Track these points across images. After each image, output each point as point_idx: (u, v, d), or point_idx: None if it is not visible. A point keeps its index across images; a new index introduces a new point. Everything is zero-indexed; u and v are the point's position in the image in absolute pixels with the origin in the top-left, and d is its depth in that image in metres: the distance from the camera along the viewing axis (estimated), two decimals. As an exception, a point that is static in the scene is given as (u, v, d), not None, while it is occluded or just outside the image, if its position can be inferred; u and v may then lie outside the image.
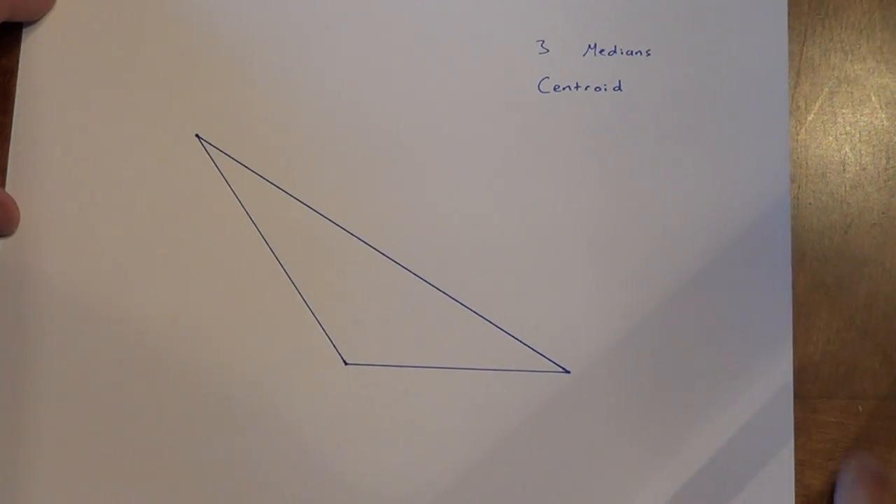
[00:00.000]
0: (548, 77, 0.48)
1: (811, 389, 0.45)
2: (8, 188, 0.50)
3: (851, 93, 0.47)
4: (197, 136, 0.49)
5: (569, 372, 0.46)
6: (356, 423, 0.47)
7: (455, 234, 0.48)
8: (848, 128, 0.47)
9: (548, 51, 0.48)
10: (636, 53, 0.48)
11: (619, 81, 0.48)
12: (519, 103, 0.48)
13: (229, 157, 0.49)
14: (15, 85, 0.51)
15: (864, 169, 0.47)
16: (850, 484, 0.43)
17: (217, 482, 0.47)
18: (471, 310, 0.47)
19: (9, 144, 0.50)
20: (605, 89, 0.48)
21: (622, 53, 0.48)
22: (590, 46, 0.48)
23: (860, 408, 0.45)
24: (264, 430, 0.47)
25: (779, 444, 0.45)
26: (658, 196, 0.47)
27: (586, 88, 0.48)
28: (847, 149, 0.47)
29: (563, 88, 0.48)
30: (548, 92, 0.48)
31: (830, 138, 0.47)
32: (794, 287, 0.46)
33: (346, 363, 0.47)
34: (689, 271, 0.46)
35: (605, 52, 0.48)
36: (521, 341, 0.46)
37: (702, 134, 0.47)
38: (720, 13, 0.48)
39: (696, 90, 0.47)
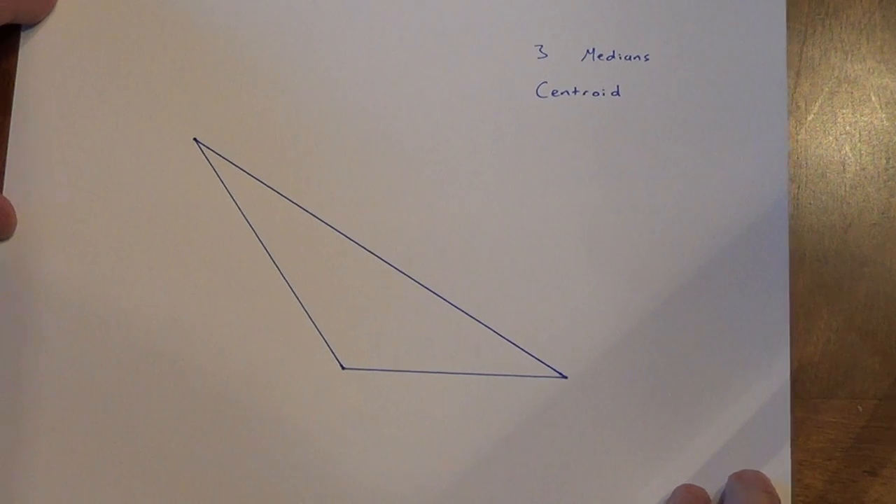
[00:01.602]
0: (546, 82, 0.48)
1: (811, 389, 0.45)
2: (6, 189, 0.50)
3: (851, 93, 0.47)
4: (195, 139, 0.49)
5: (566, 377, 0.46)
6: (354, 427, 0.47)
7: (453, 238, 0.48)
8: (848, 128, 0.47)
9: (546, 56, 0.48)
10: (634, 58, 0.48)
11: (618, 86, 0.48)
12: (517, 108, 0.48)
13: (227, 160, 0.49)
14: (14, 87, 0.51)
15: (864, 169, 0.47)
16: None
17: (215, 486, 0.47)
18: (468, 315, 0.47)
19: (7, 146, 0.50)
20: (604, 94, 0.48)
21: (620, 58, 0.48)
22: (588, 51, 0.48)
23: (860, 408, 0.45)
24: (262, 434, 0.47)
25: (777, 446, 0.45)
26: (657, 201, 0.47)
27: (584, 93, 0.48)
28: (847, 149, 0.47)
29: (562, 93, 0.48)
30: (546, 97, 0.48)
31: (830, 138, 0.47)
32: (793, 287, 0.46)
33: (343, 368, 0.47)
34: (687, 275, 0.46)
35: (604, 57, 0.48)
36: (518, 347, 0.46)
37: (701, 138, 0.47)
38: (719, 15, 0.48)
39: (695, 94, 0.47)
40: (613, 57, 0.48)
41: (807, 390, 0.45)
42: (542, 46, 0.48)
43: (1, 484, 0.47)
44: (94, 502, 0.47)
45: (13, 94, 0.51)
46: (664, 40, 0.48)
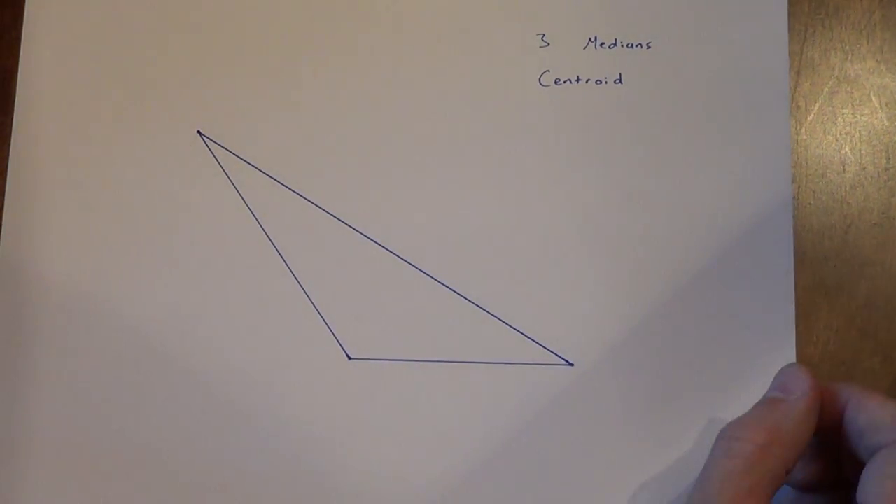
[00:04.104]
0: (548, 70, 0.48)
1: (811, 389, 0.45)
2: (8, 188, 0.50)
3: (851, 93, 0.48)
4: (199, 132, 0.49)
5: (572, 365, 0.46)
6: (360, 417, 0.47)
7: (457, 228, 0.48)
8: (848, 128, 0.47)
9: (548, 44, 0.49)
10: (637, 46, 0.48)
11: (620, 74, 0.48)
12: (520, 97, 0.48)
13: (231, 153, 0.49)
14: (15, 85, 0.51)
15: (864, 169, 0.47)
16: None
17: (219, 480, 0.46)
18: (474, 303, 0.47)
19: (9, 144, 0.50)
20: (606, 82, 0.48)
21: (623, 46, 0.48)
22: (590, 39, 0.48)
23: (860, 408, 0.45)
24: (267, 426, 0.47)
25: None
26: (659, 191, 0.47)
27: (587, 82, 0.48)
28: (847, 149, 0.47)
29: (564, 82, 0.48)
30: (548, 85, 0.48)
31: (830, 138, 0.47)
32: (794, 287, 0.46)
33: (349, 358, 0.47)
34: (692, 268, 0.46)
35: (606, 45, 0.48)
36: (525, 335, 0.46)
37: (703, 130, 0.47)
38: (721, 10, 0.48)
39: (697, 84, 0.48)
40: (616, 45, 0.48)
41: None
42: (544, 35, 0.49)
43: (1, 484, 0.47)
44: (95, 500, 0.47)
45: (15, 91, 0.51)
46: (666, 28, 0.48)
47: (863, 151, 0.47)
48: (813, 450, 0.40)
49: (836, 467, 0.41)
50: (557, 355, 0.46)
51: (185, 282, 0.48)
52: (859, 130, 0.47)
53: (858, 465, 0.39)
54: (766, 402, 0.40)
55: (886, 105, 0.47)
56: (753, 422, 0.39)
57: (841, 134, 0.47)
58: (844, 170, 0.47)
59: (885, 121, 0.47)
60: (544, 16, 0.49)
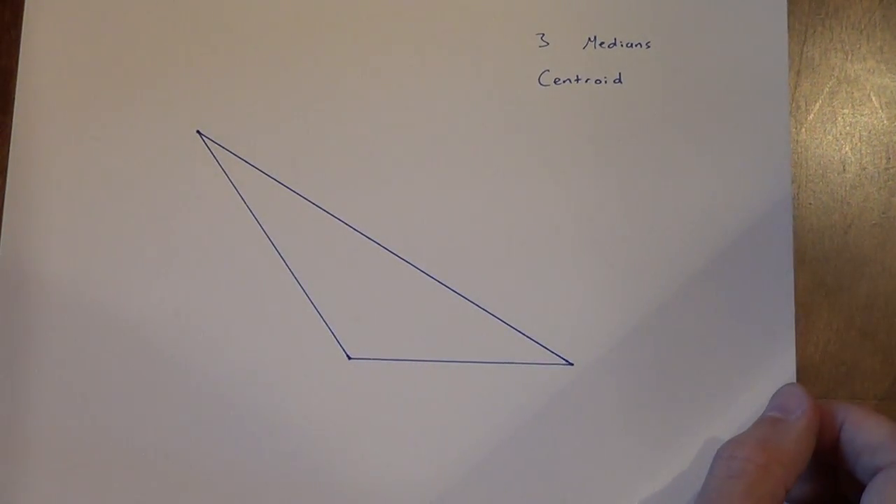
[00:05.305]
0: (548, 70, 0.48)
1: (811, 389, 0.45)
2: (8, 188, 0.50)
3: (851, 93, 0.48)
4: (198, 132, 0.49)
5: (572, 364, 0.46)
6: (360, 417, 0.47)
7: (457, 228, 0.48)
8: (848, 128, 0.47)
9: (548, 44, 0.49)
10: (636, 46, 0.48)
11: (620, 74, 0.48)
12: (519, 97, 0.48)
13: (231, 153, 0.49)
14: (15, 85, 0.51)
15: (864, 169, 0.47)
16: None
17: (219, 480, 0.46)
18: (474, 303, 0.47)
19: (9, 144, 0.50)
20: (606, 82, 0.48)
21: (622, 46, 0.48)
22: (590, 39, 0.48)
23: (861, 408, 0.45)
24: (267, 426, 0.47)
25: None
26: (659, 190, 0.47)
27: (587, 81, 0.48)
28: (847, 149, 0.47)
29: (564, 81, 0.48)
30: (548, 85, 0.48)
31: (830, 138, 0.47)
32: (794, 287, 0.46)
33: (349, 358, 0.47)
34: (692, 268, 0.46)
35: (605, 45, 0.48)
36: (524, 334, 0.46)
37: (703, 130, 0.47)
38: (721, 10, 0.48)
39: (696, 84, 0.48)
40: (615, 44, 0.48)
41: (807, 390, 0.45)
42: (543, 35, 0.49)
43: (1, 484, 0.47)
44: (95, 500, 0.47)
45: (15, 91, 0.51)
46: (666, 27, 0.48)
47: (863, 151, 0.47)
48: (809, 467, 0.40)
49: (833, 484, 0.41)
50: (557, 355, 0.46)
51: (184, 282, 0.48)
52: (859, 130, 0.47)
53: (856, 483, 0.39)
54: (765, 422, 0.40)
55: (886, 105, 0.47)
56: (753, 441, 0.39)
57: (841, 134, 0.47)
58: (844, 170, 0.47)
59: (885, 121, 0.47)
60: (544, 16, 0.49)
